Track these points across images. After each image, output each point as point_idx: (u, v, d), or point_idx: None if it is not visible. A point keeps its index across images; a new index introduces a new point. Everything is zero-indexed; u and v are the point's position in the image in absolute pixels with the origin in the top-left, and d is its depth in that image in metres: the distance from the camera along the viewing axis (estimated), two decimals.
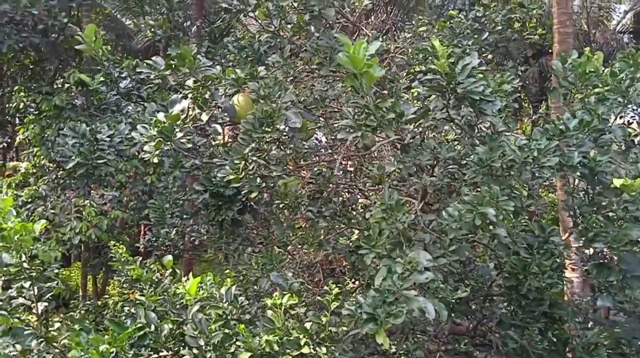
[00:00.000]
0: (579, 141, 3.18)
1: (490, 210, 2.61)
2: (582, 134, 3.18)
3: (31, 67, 11.51)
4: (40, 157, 9.91)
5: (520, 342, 3.76)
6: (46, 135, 9.53)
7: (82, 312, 10.04)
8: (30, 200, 9.13)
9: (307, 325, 2.99)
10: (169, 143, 3.09)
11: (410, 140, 5.47)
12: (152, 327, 3.30)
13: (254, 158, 3.24)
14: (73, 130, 3.69)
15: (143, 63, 5.00)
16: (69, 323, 9.50)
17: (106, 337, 3.08)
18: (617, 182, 2.79)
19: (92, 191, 9.79)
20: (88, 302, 10.69)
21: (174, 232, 6.04)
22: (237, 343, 2.91)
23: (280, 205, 3.95)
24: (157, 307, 3.61)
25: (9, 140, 12.26)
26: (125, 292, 12.29)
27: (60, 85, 10.84)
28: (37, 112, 10.21)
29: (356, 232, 4.11)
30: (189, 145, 3.24)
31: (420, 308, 2.55)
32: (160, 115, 3.13)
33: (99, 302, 10.70)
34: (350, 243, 4.26)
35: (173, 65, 3.20)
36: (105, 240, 9.18)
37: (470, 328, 4.53)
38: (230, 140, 5.52)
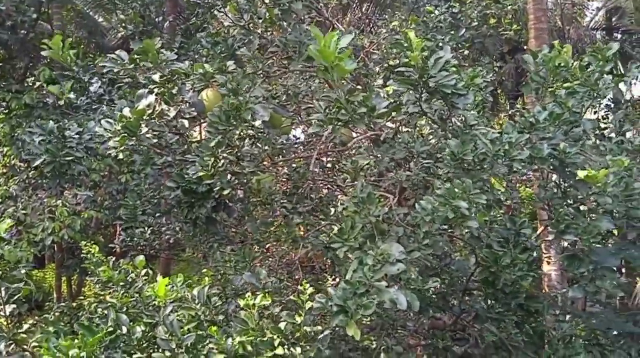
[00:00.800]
0: (550, 134, 3.21)
1: (462, 203, 2.61)
2: (552, 126, 3.21)
3: (0, 64, 11.22)
4: (10, 156, 9.66)
5: (499, 335, 3.79)
6: (16, 134, 9.28)
7: (57, 313, 9.82)
8: (0, 200, 8.89)
9: (282, 325, 2.95)
10: (134, 138, 3.01)
11: (386, 135, 5.49)
12: (124, 330, 3.23)
13: (224, 154, 3.19)
14: (40, 127, 3.59)
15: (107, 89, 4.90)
16: (43, 325, 9.29)
17: (76, 341, 3.00)
18: (582, 174, 2.81)
19: (65, 191, 9.58)
20: (62, 304, 10.46)
21: (149, 231, 5.96)
22: (210, 345, 2.85)
23: (254, 202, 3.90)
24: (129, 308, 3.53)
25: None
26: (101, 293, 12.10)
27: (30, 84, 10.59)
28: (6, 111, 9.95)
29: (335, 228, 4.09)
30: (154, 141, 3.17)
31: (392, 300, 2.54)
32: (126, 110, 3.06)
33: (74, 304, 10.49)
34: (326, 240, 4.24)
35: (137, 60, 3.12)
36: (79, 240, 9.00)
37: (450, 323, 4.55)
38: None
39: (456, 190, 2.64)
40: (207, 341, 3.00)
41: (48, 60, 10.24)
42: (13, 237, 8.28)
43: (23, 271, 3.39)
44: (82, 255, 9.92)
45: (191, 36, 9.01)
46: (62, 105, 8.84)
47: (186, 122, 3.21)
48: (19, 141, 9.34)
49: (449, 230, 3.88)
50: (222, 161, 3.11)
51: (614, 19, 18.80)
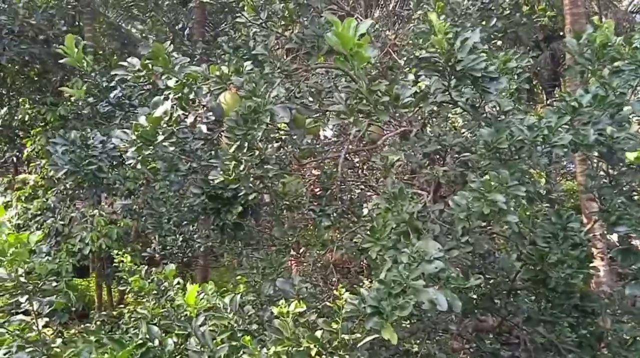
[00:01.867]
0: (594, 118, 2.96)
1: (499, 197, 2.41)
2: (597, 110, 2.97)
3: (36, 79, 11.51)
4: (47, 168, 9.86)
5: (549, 337, 3.55)
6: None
7: (98, 323, 9.97)
8: (39, 212, 9.08)
9: (318, 333, 2.80)
10: (150, 147, 2.93)
11: (415, 128, 5.28)
12: (156, 342, 3.15)
13: (245, 157, 3.06)
14: (63, 137, 3.56)
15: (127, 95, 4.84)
16: (85, 335, 9.41)
17: (106, 355, 2.93)
18: (631, 156, 2.57)
19: (101, 201, 9.72)
20: (103, 313, 10.64)
21: (180, 238, 5.92)
22: (245, 356, 2.73)
23: (281, 206, 3.77)
24: (161, 319, 3.46)
25: (18, 154, 12.26)
26: (142, 301, 12.25)
27: (65, 96, 10.82)
28: (42, 124, 10.18)
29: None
30: (172, 148, 3.08)
31: (431, 300, 2.37)
32: (141, 119, 2.98)
33: (115, 312, 10.64)
34: (358, 242, 4.08)
35: (149, 65, 3.03)
36: (116, 249, 9.10)
37: (495, 325, 4.32)
38: None
39: (492, 183, 2.44)
40: (241, 352, 2.89)
41: (82, 74, 10.47)
42: (52, 248, 8.44)
43: (54, 284, 3.36)
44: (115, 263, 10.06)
45: (214, 42, 8.99)
46: (96, 115, 8.99)
47: (204, 128, 3.10)
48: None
49: (489, 227, 3.67)
50: (244, 165, 2.98)
51: None
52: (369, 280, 6.35)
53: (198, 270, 12.28)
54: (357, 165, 5.28)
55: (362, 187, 5.02)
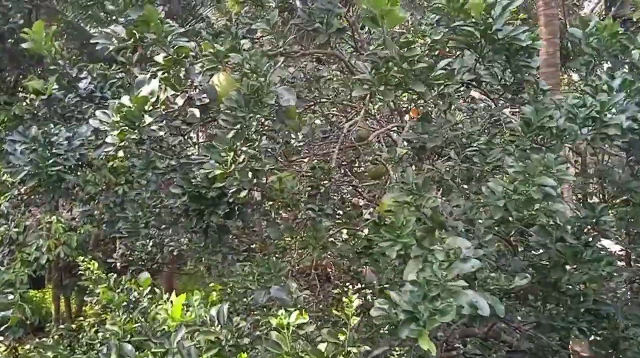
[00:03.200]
0: (622, 105, 2.72)
1: (548, 181, 2.11)
2: (626, 96, 2.73)
3: None
4: (0, 171, 9.12)
5: (546, 341, 3.31)
6: (5, 150, 8.78)
7: (55, 337, 9.25)
8: None
9: (321, 346, 2.44)
10: (135, 132, 2.50)
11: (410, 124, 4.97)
12: None
13: (244, 148, 2.68)
14: (22, 134, 3.08)
15: (109, 70, 4.34)
16: (42, 350, 8.69)
17: None
18: None
19: (59, 207, 9.04)
20: (62, 326, 9.90)
21: (150, 243, 5.43)
22: None
23: (276, 205, 3.39)
24: (133, 335, 3.01)
25: None
26: (102, 312, 11.54)
27: (20, 96, 10.09)
28: None
29: (365, 231, 3.58)
30: (161, 133, 2.66)
31: (471, 304, 2.04)
32: (125, 99, 2.55)
33: (74, 325, 9.91)
34: (355, 244, 3.73)
35: (135, 33, 2.61)
36: (76, 258, 8.45)
37: (485, 330, 4.06)
38: (207, 139, 4.94)
39: (537, 166, 2.14)
40: None
41: (39, 71, 9.77)
42: (5, 257, 7.74)
43: (11, 297, 2.86)
44: (79, 273, 9.35)
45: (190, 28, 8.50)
46: (53, 116, 8.36)
47: (196, 111, 2.70)
48: (8, 155, 8.84)
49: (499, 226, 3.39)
50: (243, 156, 2.59)
51: (613, 9, 18.48)
52: (354, 287, 6.02)
53: (163, 278, 11.65)
54: (345, 163, 4.94)
55: (351, 186, 4.68)
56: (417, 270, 2.28)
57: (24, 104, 9.76)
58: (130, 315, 3.24)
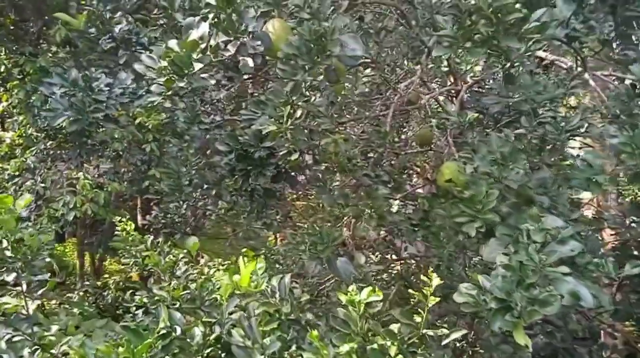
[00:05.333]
0: None
1: None
2: None
3: (12, 28, 10.47)
4: (26, 126, 8.97)
5: None
6: (32, 101, 8.59)
7: (81, 293, 9.29)
8: (17, 173, 8.24)
9: (394, 327, 2.22)
10: (184, 79, 2.23)
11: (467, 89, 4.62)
12: (178, 331, 2.52)
13: (300, 103, 2.40)
14: (62, 77, 2.82)
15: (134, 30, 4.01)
16: (67, 306, 8.70)
17: (120, 349, 2.30)
18: None
19: (85, 162, 8.90)
20: (87, 283, 9.94)
21: (184, 206, 5.24)
22: (304, 354, 2.13)
23: (331, 169, 3.13)
24: (181, 303, 2.82)
25: None
26: (126, 270, 11.56)
27: (45, 46, 9.86)
28: (21, 77, 9.23)
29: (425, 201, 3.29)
30: (212, 82, 2.39)
31: (574, 293, 1.79)
32: (172, 43, 2.27)
33: (98, 282, 9.96)
34: (410, 217, 3.46)
35: None
36: (103, 215, 8.36)
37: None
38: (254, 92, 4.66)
39: None
40: (295, 348, 2.30)
41: (63, 22, 9.49)
42: (32, 212, 7.68)
43: (48, 259, 2.67)
44: (105, 231, 9.26)
45: None
46: (80, 68, 8.11)
47: (250, 61, 2.41)
48: (34, 108, 8.69)
49: None
50: (300, 112, 2.32)
51: None
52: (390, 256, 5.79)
53: (182, 240, 11.50)
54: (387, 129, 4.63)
55: (399, 153, 4.38)
56: (501, 250, 2.02)
57: (49, 55, 9.54)
58: (177, 281, 3.05)
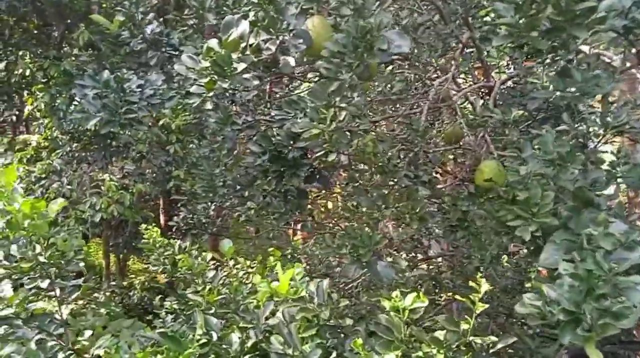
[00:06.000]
0: None
1: None
2: None
3: (35, 32, 10.57)
4: (51, 128, 9.04)
5: None
6: (57, 104, 8.65)
7: (107, 294, 9.35)
8: (44, 175, 8.30)
9: (439, 334, 2.12)
10: (226, 80, 2.15)
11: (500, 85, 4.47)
12: (215, 337, 2.45)
13: (343, 104, 2.30)
14: (93, 79, 2.77)
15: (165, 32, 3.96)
16: (94, 307, 8.72)
17: (159, 356, 2.23)
18: None
19: (109, 164, 8.94)
20: (112, 283, 9.99)
21: (212, 207, 5.19)
22: None
23: (370, 170, 3.03)
24: (216, 308, 2.76)
25: (18, 113, 11.38)
26: (150, 270, 11.60)
27: (67, 49, 9.92)
28: (45, 80, 9.31)
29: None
30: (255, 82, 2.31)
31: None
32: (213, 42, 2.19)
33: (124, 283, 10.01)
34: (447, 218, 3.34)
35: None
36: (129, 216, 8.39)
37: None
38: (277, 91, 4.58)
39: None
40: (335, 355, 2.21)
41: (86, 24, 9.55)
42: (59, 214, 7.72)
43: (82, 264, 2.62)
44: (130, 231, 9.25)
45: None
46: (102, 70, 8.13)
47: (291, 60, 2.32)
48: (60, 111, 8.74)
49: None
50: (344, 114, 2.22)
51: None
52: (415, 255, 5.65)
53: (208, 239, 11.58)
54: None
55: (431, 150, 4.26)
56: (560, 256, 1.90)
57: (72, 58, 9.58)
58: (211, 284, 2.98)
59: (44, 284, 2.56)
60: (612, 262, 1.69)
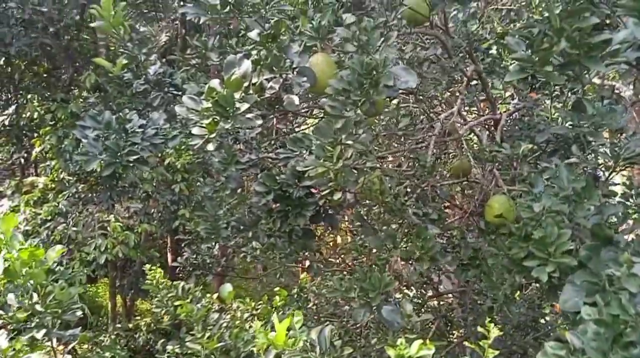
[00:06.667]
0: None
1: None
2: None
3: (45, 76, 10.76)
4: (58, 170, 9.06)
5: None
6: (64, 146, 8.70)
7: (112, 337, 9.16)
8: (50, 217, 8.26)
9: None
10: (228, 121, 2.10)
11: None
12: None
13: (349, 141, 2.24)
14: (94, 119, 2.74)
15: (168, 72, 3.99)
16: (99, 350, 8.53)
17: None
18: None
19: (115, 204, 8.91)
20: (118, 325, 9.81)
21: (216, 247, 5.10)
22: None
23: (378, 208, 2.94)
24: (217, 356, 2.64)
25: (26, 155, 11.46)
26: (157, 311, 11.40)
27: (76, 92, 10.05)
28: (52, 122, 9.40)
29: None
30: (259, 122, 2.26)
31: None
32: (215, 83, 2.16)
33: (130, 325, 9.82)
34: (457, 256, 3.24)
35: (231, 1, 2.20)
36: (134, 257, 8.29)
37: None
38: (281, 128, 4.55)
39: None
40: None
41: (93, 68, 9.72)
42: (64, 256, 7.65)
43: (79, 313, 2.53)
44: (136, 272, 9.14)
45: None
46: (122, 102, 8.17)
47: (295, 99, 2.28)
48: (66, 153, 8.78)
49: None
50: (351, 151, 2.16)
51: None
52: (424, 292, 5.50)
53: (214, 279, 11.42)
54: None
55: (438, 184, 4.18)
56: (580, 299, 1.79)
57: (80, 101, 9.69)
58: (210, 331, 2.87)
59: (39, 334, 2.45)
60: (638, 305, 1.58)
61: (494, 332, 2.01)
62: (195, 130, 2.14)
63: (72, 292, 2.48)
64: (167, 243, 11.05)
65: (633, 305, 1.58)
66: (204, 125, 2.09)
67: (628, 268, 1.67)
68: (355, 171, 2.60)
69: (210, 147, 2.15)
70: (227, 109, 2.07)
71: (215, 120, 2.08)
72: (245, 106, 2.09)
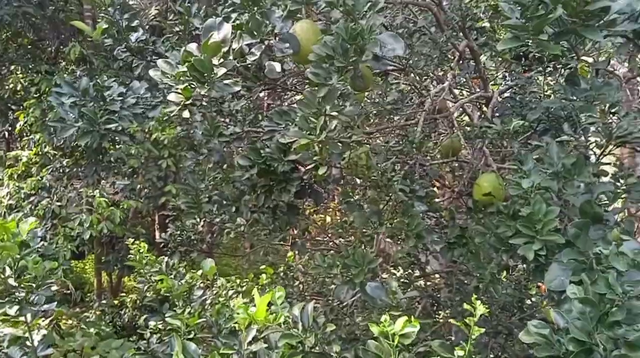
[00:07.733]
0: None
1: None
2: None
3: (29, 47, 10.49)
4: (42, 144, 8.88)
5: None
6: (48, 119, 8.52)
7: (97, 313, 9.11)
8: (33, 192, 8.12)
9: None
10: (205, 86, 2.00)
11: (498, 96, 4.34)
12: None
13: (334, 113, 2.15)
14: (71, 85, 2.62)
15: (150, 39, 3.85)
16: (84, 326, 8.46)
17: None
18: None
19: (101, 180, 8.78)
20: (103, 302, 9.75)
21: (201, 224, 5.01)
22: None
23: (364, 184, 2.88)
24: (197, 332, 2.58)
25: (10, 128, 11.23)
26: (139, 287, 11.35)
27: (62, 64, 9.84)
28: (37, 95, 9.19)
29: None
30: (237, 88, 2.16)
31: None
32: (192, 46, 2.05)
33: (115, 301, 9.76)
34: (445, 235, 3.19)
35: None
36: (119, 233, 8.20)
37: None
38: (271, 104, 4.44)
39: None
40: None
41: (80, 40, 9.48)
42: (48, 231, 7.54)
43: (54, 287, 2.44)
44: (122, 248, 9.06)
45: None
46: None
47: (277, 66, 2.18)
48: (50, 126, 8.58)
49: None
50: (335, 122, 2.08)
51: None
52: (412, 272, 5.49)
53: (201, 256, 11.30)
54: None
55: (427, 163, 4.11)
56: (566, 277, 1.75)
57: (64, 74, 9.47)
58: (191, 307, 2.81)
59: (12, 311, 2.37)
60: (625, 284, 1.53)
61: (480, 310, 1.96)
62: (171, 96, 2.05)
63: (46, 266, 2.39)
64: (154, 220, 10.96)
65: (620, 283, 1.53)
66: (179, 91, 1.98)
67: (617, 246, 1.62)
68: (341, 144, 2.52)
69: (186, 114, 2.05)
70: (204, 74, 1.97)
71: (192, 85, 1.98)
72: (222, 71, 1.99)
